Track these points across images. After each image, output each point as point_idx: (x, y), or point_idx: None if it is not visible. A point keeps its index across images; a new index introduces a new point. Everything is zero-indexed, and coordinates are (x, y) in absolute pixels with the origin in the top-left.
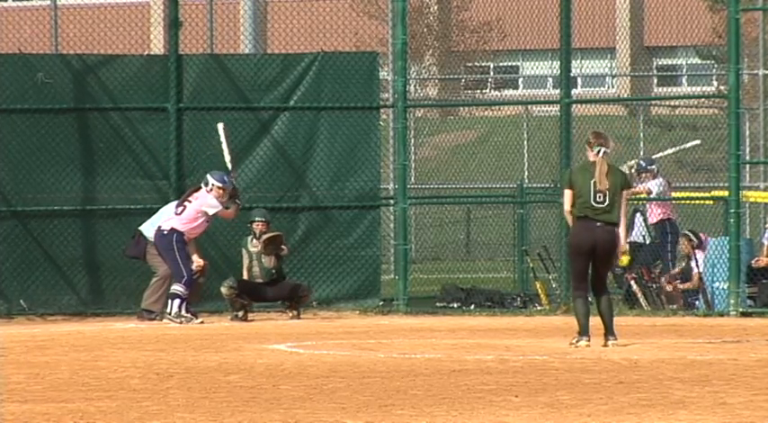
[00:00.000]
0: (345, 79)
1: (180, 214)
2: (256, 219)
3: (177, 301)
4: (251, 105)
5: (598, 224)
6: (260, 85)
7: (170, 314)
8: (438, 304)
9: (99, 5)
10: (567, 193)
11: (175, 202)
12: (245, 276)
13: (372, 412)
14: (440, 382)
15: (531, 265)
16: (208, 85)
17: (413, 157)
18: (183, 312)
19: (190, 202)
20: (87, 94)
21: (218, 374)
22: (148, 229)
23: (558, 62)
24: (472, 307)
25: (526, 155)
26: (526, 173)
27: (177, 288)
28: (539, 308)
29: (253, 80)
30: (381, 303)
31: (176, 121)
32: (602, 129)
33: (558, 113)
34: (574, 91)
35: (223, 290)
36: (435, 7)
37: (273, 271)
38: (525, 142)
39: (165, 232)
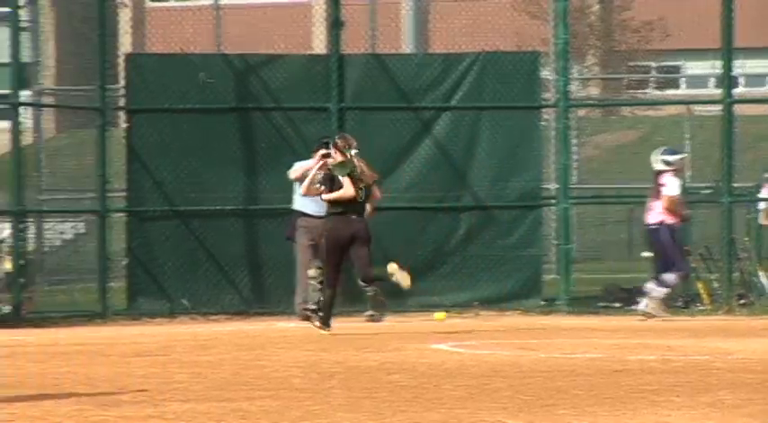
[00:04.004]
0: (507, 79)
1: None
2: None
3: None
4: (412, 105)
5: (353, 217)
6: (421, 84)
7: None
8: (600, 304)
9: (261, 5)
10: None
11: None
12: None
13: (534, 412)
14: (601, 381)
15: (694, 265)
16: (369, 85)
17: (575, 157)
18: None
19: None
20: (249, 93)
21: (380, 374)
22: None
23: (720, 61)
24: (634, 307)
25: (689, 155)
26: (689, 172)
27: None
28: (701, 308)
29: (414, 80)
30: (543, 303)
31: (338, 120)
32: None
33: (720, 113)
34: (736, 90)
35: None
36: (597, 7)
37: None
38: (687, 142)
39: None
